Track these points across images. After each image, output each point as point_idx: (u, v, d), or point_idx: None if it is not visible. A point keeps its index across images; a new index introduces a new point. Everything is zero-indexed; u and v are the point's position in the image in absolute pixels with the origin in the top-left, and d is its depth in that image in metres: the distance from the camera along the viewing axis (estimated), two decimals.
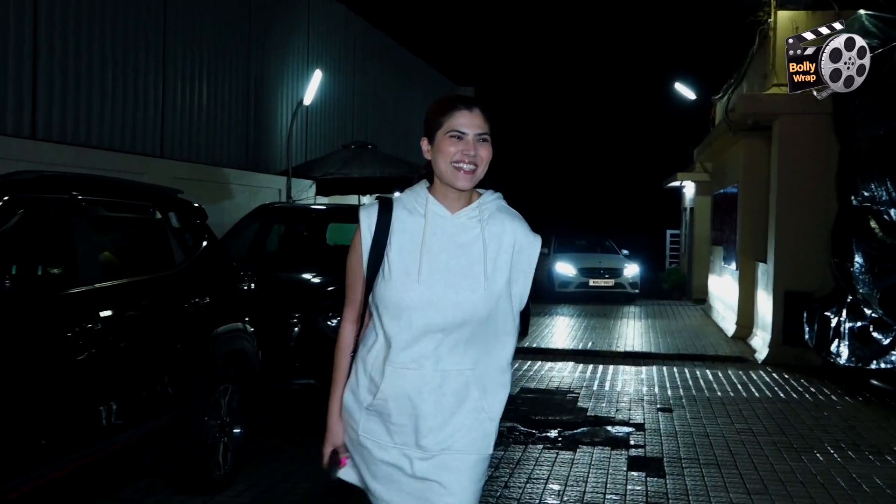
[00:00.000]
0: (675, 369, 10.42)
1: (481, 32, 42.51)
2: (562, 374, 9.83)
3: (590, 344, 12.52)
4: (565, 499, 5.32)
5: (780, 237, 11.03)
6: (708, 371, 10.29)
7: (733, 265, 14.00)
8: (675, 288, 22.31)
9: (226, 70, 12.82)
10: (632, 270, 20.43)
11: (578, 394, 8.72)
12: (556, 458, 6.23)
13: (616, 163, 41.27)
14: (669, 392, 8.92)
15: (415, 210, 2.52)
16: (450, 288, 2.42)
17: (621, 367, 10.53)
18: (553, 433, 6.96)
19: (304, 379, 6.83)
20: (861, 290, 8.73)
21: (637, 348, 12.21)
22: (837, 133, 9.91)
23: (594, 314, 16.92)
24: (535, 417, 7.55)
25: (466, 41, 39.57)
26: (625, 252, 21.69)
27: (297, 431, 6.86)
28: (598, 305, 18.73)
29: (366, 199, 14.65)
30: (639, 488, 5.56)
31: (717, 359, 11.29)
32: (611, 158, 41.65)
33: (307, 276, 7.65)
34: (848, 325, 8.98)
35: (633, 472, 5.92)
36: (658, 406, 8.19)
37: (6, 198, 3.87)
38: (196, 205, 5.67)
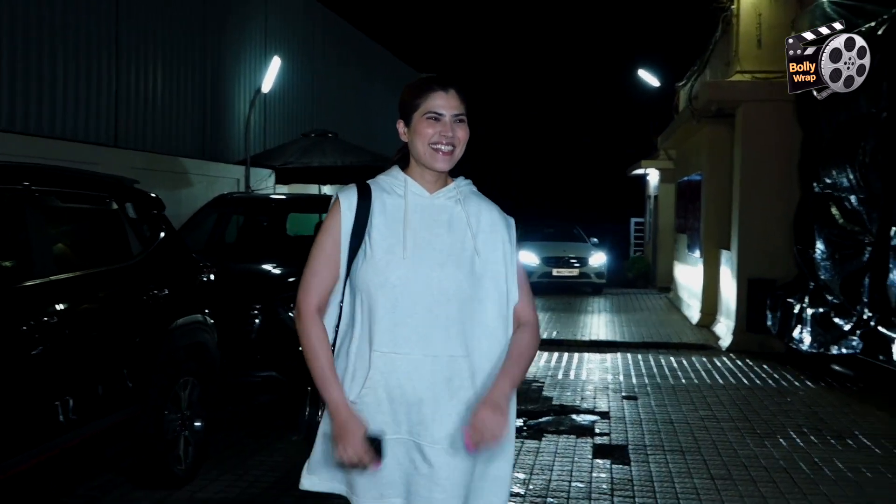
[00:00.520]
0: (639, 357, 10.56)
1: (443, 19, 42.47)
2: None
3: (554, 333, 12.62)
4: (531, 487, 5.39)
5: (743, 225, 11.20)
6: (672, 359, 10.44)
7: (697, 253, 14.19)
8: (639, 276, 22.54)
9: (181, 57, 12.70)
10: (598, 259, 19.74)
11: (543, 383, 8.81)
12: (521, 447, 6.30)
13: (580, 150, 41.51)
14: (634, 380, 9.04)
15: (393, 192, 2.52)
16: (435, 264, 2.43)
17: (586, 356, 10.64)
18: (518, 422, 7.02)
19: (266, 371, 6.82)
20: (822, 277, 8.91)
21: (602, 337, 12.34)
22: (800, 120, 10.09)
23: (558, 303, 17.04)
24: None
25: (428, 29, 39.52)
26: (594, 240, 21.00)
27: (258, 424, 6.86)
28: (562, 297, 18.40)
29: (326, 189, 14.61)
30: (604, 476, 5.65)
31: (682, 346, 11.45)
32: (575, 146, 41.89)
33: (267, 267, 7.64)
34: (810, 311, 9.16)
35: (598, 460, 6.00)
36: (623, 394, 8.30)
37: None
38: (153, 195, 5.64)
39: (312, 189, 14.48)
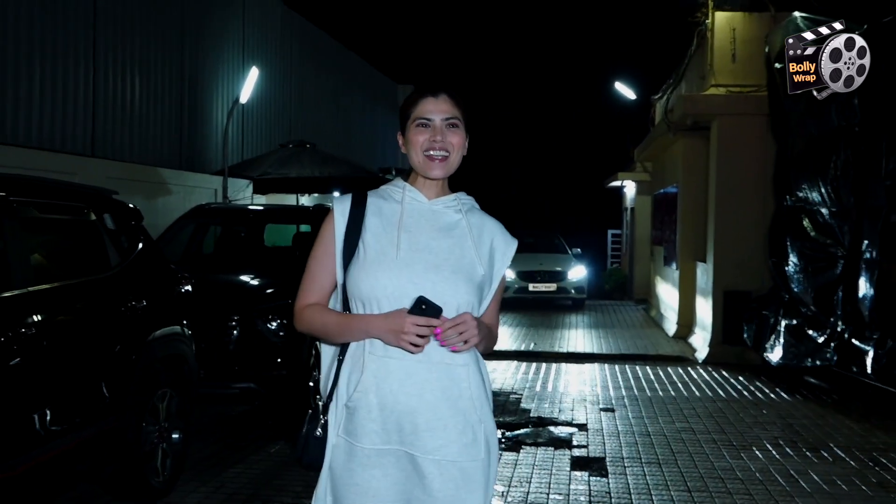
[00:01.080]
0: (616, 369, 10.61)
1: (421, 31, 42.58)
2: (504, 375, 9.94)
3: (532, 345, 12.66)
4: (509, 500, 5.41)
5: (718, 237, 11.30)
6: (649, 370, 10.50)
7: (673, 265, 14.29)
8: (616, 288, 22.65)
9: (159, 67, 12.66)
10: (577, 273, 18.55)
11: (521, 395, 8.83)
12: (499, 459, 6.30)
13: (558, 162, 41.70)
14: (612, 392, 9.09)
15: (390, 198, 2.48)
16: (430, 267, 2.35)
17: (563, 368, 10.68)
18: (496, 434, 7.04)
19: (244, 383, 6.80)
20: (796, 289, 9.01)
21: (579, 349, 12.38)
22: (774, 134, 10.21)
23: (535, 316, 17.05)
24: None
25: (406, 40, 39.60)
26: (576, 251, 20.00)
27: (236, 436, 6.83)
28: (539, 310, 17.80)
29: (304, 200, 14.59)
30: (582, 488, 5.67)
31: (659, 358, 11.52)
32: (553, 158, 42.07)
33: (245, 278, 7.62)
34: (784, 323, 9.25)
35: (576, 472, 6.03)
36: (600, 406, 8.34)
37: None
38: (131, 206, 5.62)
39: (290, 200, 14.46)
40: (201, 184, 12.67)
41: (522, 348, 12.28)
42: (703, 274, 12.09)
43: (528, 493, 5.54)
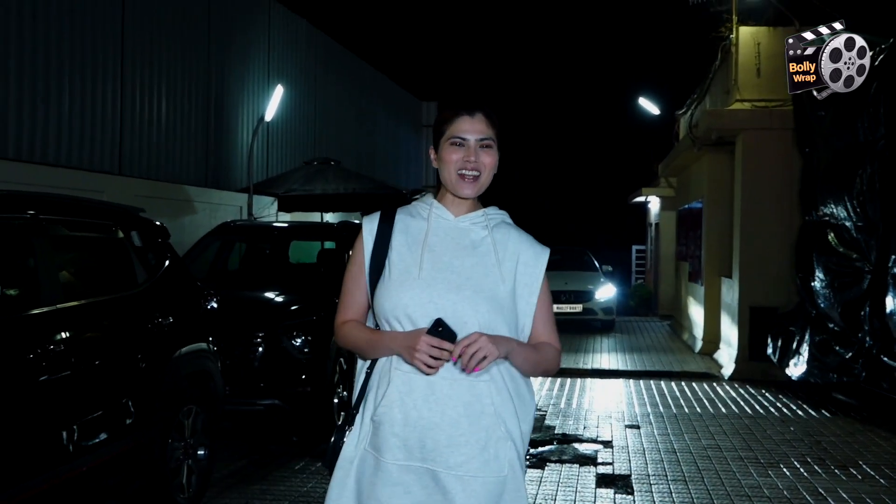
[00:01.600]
0: (642, 385, 10.55)
1: (444, 48, 42.77)
2: None
3: None
4: None
5: (744, 252, 11.23)
6: (675, 387, 10.43)
7: (699, 281, 14.21)
8: (641, 304, 22.54)
9: (185, 85, 12.80)
10: (606, 293, 17.06)
11: (546, 411, 8.80)
12: (523, 476, 6.27)
13: (582, 178, 41.65)
14: (637, 409, 9.03)
15: (418, 215, 2.51)
16: (451, 288, 2.36)
17: (588, 384, 10.63)
18: None
19: (269, 399, 6.83)
20: (822, 305, 8.92)
21: (604, 365, 12.33)
22: (800, 148, 10.16)
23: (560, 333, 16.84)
24: None
25: (429, 57, 39.78)
26: (607, 268, 18.69)
27: (261, 453, 6.85)
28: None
29: (329, 217, 14.66)
30: None
31: (684, 375, 11.44)
32: (577, 173, 42.03)
33: (270, 295, 7.66)
34: (811, 339, 9.16)
35: (601, 490, 5.99)
36: (626, 423, 8.29)
37: None
38: (158, 223, 5.68)
39: (315, 217, 14.53)
40: (227, 201, 12.77)
41: None
42: (729, 290, 12.01)
43: None
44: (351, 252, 2.56)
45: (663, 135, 21.96)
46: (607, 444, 7.41)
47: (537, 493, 5.87)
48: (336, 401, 7.34)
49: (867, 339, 8.35)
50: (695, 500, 5.76)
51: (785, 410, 8.96)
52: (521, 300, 2.45)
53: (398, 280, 2.39)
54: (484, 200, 2.59)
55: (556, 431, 7.87)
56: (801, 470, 6.57)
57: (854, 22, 8.51)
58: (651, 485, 6.13)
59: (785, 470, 6.57)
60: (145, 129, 11.66)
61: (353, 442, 2.42)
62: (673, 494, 5.90)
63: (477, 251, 2.43)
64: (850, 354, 8.66)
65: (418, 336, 2.26)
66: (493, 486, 2.36)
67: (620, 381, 10.96)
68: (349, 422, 2.45)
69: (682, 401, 9.49)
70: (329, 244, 9.44)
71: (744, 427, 8.13)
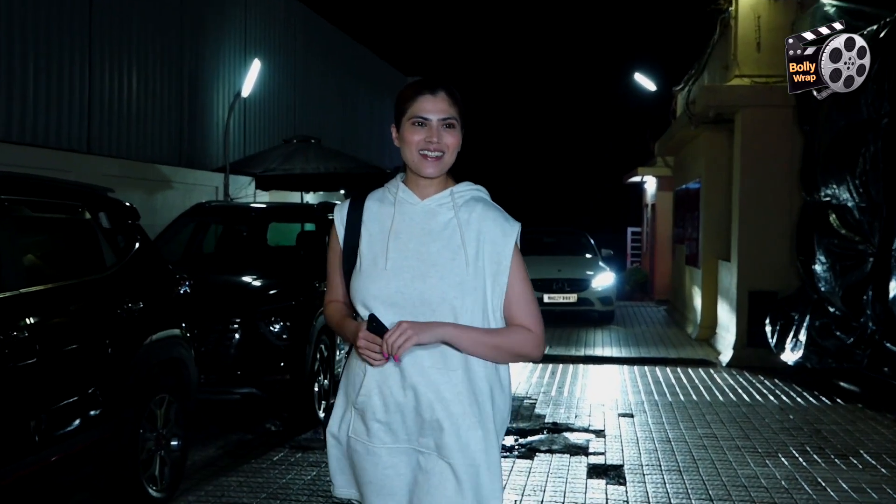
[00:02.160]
0: (636, 373, 10.60)
1: (432, 21, 42.63)
2: (518, 379, 9.94)
3: (547, 347, 12.66)
4: None
5: (743, 235, 11.27)
6: (670, 374, 10.49)
7: (696, 264, 14.27)
8: (636, 288, 22.61)
9: (157, 60, 12.71)
10: (603, 281, 15.85)
11: (536, 399, 8.84)
12: (512, 466, 6.32)
13: (575, 157, 41.67)
14: (631, 397, 9.08)
15: (386, 199, 2.57)
16: (417, 276, 2.44)
17: (581, 371, 10.68)
18: (509, 441, 7.06)
19: (246, 388, 6.84)
20: (823, 289, 8.98)
21: (597, 352, 12.39)
22: (801, 126, 10.19)
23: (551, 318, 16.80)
24: None
25: (416, 31, 39.65)
26: (607, 252, 17.66)
27: (238, 443, 6.86)
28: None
29: (309, 197, 14.64)
30: (598, 497, 5.68)
31: (680, 361, 11.51)
32: (569, 152, 42.04)
33: (247, 279, 7.66)
34: (812, 324, 9.22)
35: (592, 481, 6.03)
36: (619, 411, 8.34)
37: None
38: (128, 204, 5.66)
39: (294, 197, 14.51)
40: (202, 181, 12.72)
41: None
42: (727, 273, 12.06)
43: (542, 501, 5.55)
44: (328, 238, 2.68)
45: (660, 112, 21.99)
46: (599, 433, 7.45)
47: (526, 484, 5.91)
48: (316, 389, 7.36)
49: (869, 323, 8.41)
50: (689, 491, 5.81)
51: (784, 398, 9.03)
52: (489, 280, 2.47)
53: (367, 271, 2.49)
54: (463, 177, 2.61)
55: (546, 420, 7.90)
56: (800, 459, 6.62)
57: None
58: (644, 475, 6.17)
59: (783, 459, 6.62)
60: (115, 105, 11.59)
61: (337, 423, 2.58)
62: (667, 485, 5.94)
63: (443, 234, 2.49)
64: (851, 340, 8.72)
65: (358, 332, 2.41)
66: (469, 472, 2.43)
67: (614, 368, 11.01)
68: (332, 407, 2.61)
69: (677, 388, 9.55)
70: (309, 226, 9.43)
71: (741, 415, 8.19)
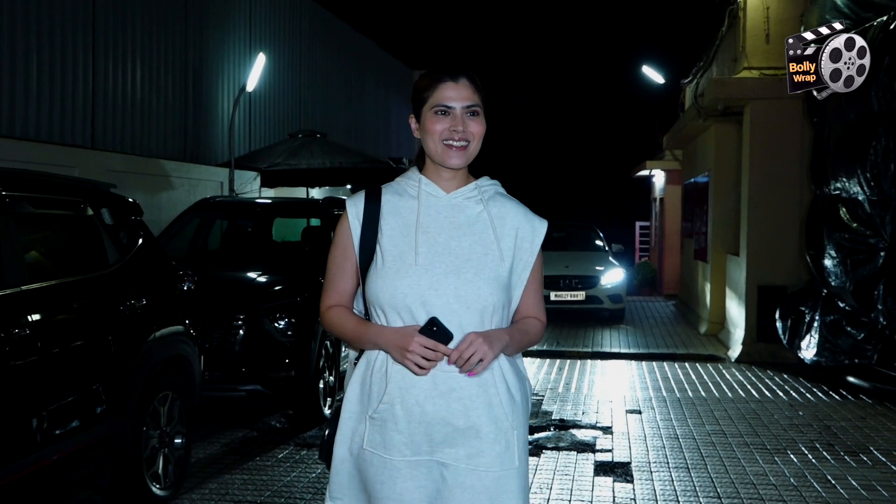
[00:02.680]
0: (644, 368, 10.58)
1: (438, 14, 42.57)
2: None
3: (555, 343, 12.63)
4: None
5: (752, 228, 11.23)
6: (679, 370, 10.46)
7: (705, 258, 14.22)
8: (645, 283, 22.57)
9: (161, 54, 12.71)
10: (613, 277, 15.31)
11: (543, 396, 8.82)
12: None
13: (583, 150, 41.60)
14: (639, 393, 9.06)
15: (406, 193, 2.45)
16: (451, 271, 2.33)
17: (588, 367, 10.65)
18: None
19: (251, 385, 6.83)
20: (834, 284, 8.93)
21: (605, 347, 12.36)
22: (810, 119, 10.12)
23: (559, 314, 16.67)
24: None
25: (422, 24, 39.60)
26: (617, 247, 17.44)
27: (242, 441, 6.86)
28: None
29: (315, 192, 14.63)
30: (606, 494, 5.66)
31: (689, 357, 11.48)
32: (577, 146, 41.97)
33: (252, 275, 7.65)
34: (822, 320, 9.18)
35: (599, 478, 6.01)
36: (626, 408, 8.31)
37: None
38: (130, 200, 5.65)
39: (300, 193, 14.50)
40: (206, 176, 12.73)
41: (544, 347, 12.25)
42: (736, 268, 12.02)
43: (548, 499, 5.54)
44: (334, 234, 2.51)
45: (668, 105, 21.94)
46: (607, 430, 7.43)
47: (532, 482, 5.89)
48: (322, 386, 7.35)
49: (880, 319, 8.37)
50: (697, 488, 5.79)
51: (793, 394, 8.99)
52: (514, 275, 2.43)
53: (393, 267, 2.35)
54: (475, 171, 2.53)
55: (553, 417, 7.89)
56: (810, 456, 6.60)
57: None
58: (652, 472, 6.15)
59: (792, 456, 6.59)
60: (119, 100, 11.60)
61: (348, 438, 2.41)
62: (674, 482, 5.92)
63: (473, 229, 2.40)
64: (862, 335, 8.68)
65: (410, 336, 2.24)
66: (506, 478, 2.36)
67: (622, 364, 10.98)
68: (338, 417, 2.45)
69: (685, 384, 9.52)
70: (314, 221, 9.42)
71: (750, 411, 8.16)
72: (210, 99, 14.26)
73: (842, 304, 9.01)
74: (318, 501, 5.41)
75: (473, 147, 2.40)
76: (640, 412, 8.13)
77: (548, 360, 11.04)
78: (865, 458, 6.55)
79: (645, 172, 23.50)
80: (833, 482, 5.94)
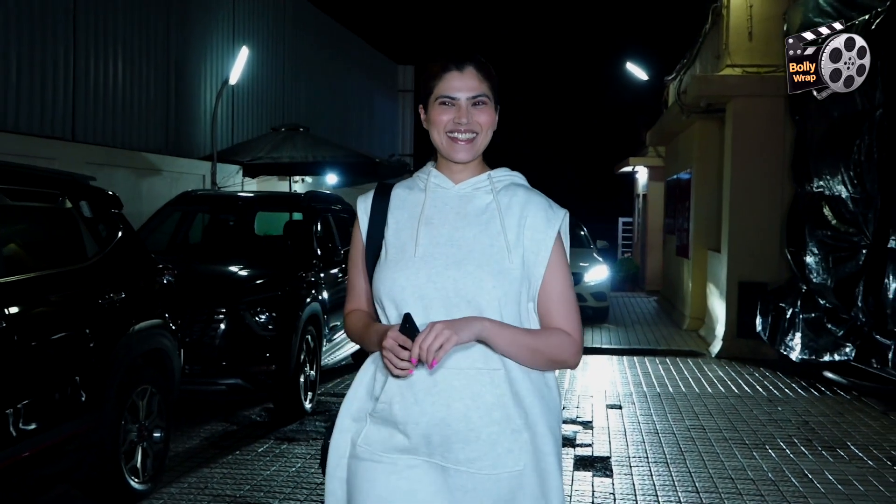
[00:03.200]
0: (625, 364, 10.62)
1: (422, 9, 42.50)
2: None
3: None
4: None
5: (733, 225, 11.28)
6: (659, 365, 10.50)
7: (686, 255, 14.28)
8: (627, 279, 22.64)
9: (143, 45, 12.64)
10: (597, 275, 14.88)
11: None
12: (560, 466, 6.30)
13: (566, 146, 41.67)
14: (619, 388, 9.09)
15: (415, 186, 2.37)
16: (451, 263, 2.21)
17: None
18: None
19: (231, 378, 6.82)
20: (815, 281, 8.99)
21: (586, 342, 12.39)
22: (793, 116, 10.18)
23: None
24: None
25: (407, 18, 39.53)
26: (602, 243, 17.25)
27: (222, 434, 6.84)
28: None
29: (297, 186, 14.59)
30: (585, 489, 5.68)
31: (669, 353, 11.53)
32: (560, 142, 42.04)
33: (233, 268, 7.62)
34: (802, 316, 9.24)
35: (578, 472, 6.03)
36: (607, 403, 8.34)
37: None
38: (110, 193, 5.62)
39: (283, 186, 14.46)
40: (188, 169, 12.67)
41: None
42: (718, 264, 12.08)
43: None
44: (352, 235, 2.45)
45: (652, 101, 21.99)
46: (587, 424, 7.45)
47: None
48: (302, 380, 7.34)
49: (860, 316, 8.42)
50: (676, 483, 5.81)
51: (773, 389, 9.05)
52: (528, 270, 2.26)
53: (394, 260, 2.26)
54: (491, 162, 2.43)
55: None
56: (788, 451, 6.64)
57: None
58: (631, 467, 6.18)
59: (770, 451, 6.64)
60: (100, 92, 11.52)
61: (344, 437, 2.31)
62: (654, 476, 5.95)
63: (480, 219, 2.27)
64: (841, 332, 8.74)
65: (386, 334, 2.12)
66: (506, 482, 2.22)
67: (603, 359, 11.02)
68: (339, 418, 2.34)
69: (666, 380, 9.56)
70: (297, 215, 9.39)
71: (729, 407, 8.20)
72: (192, 91, 14.19)
73: (822, 301, 9.07)
74: (298, 495, 5.40)
75: (481, 139, 2.29)
76: (620, 407, 8.16)
77: None
78: (842, 453, 6.60)
79: (628, 169, 23.57)
80: (810, 477, 5.99)
